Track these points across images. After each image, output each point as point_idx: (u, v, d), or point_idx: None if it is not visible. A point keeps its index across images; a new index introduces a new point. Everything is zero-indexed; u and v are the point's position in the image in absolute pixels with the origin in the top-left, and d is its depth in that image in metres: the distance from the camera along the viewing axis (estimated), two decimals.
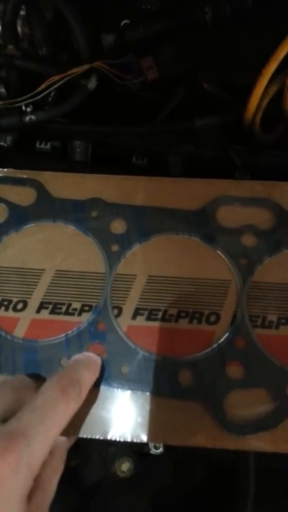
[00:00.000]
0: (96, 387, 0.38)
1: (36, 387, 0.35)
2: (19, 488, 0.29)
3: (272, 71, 0.48)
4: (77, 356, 0.38)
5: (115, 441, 0.45)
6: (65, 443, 0.36)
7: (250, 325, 0.40)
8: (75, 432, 0.37)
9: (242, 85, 0.53)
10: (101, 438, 0.37)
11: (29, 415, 0.31)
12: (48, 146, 0.61)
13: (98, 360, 0.39)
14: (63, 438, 0.36)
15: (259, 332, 0.40)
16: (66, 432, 0.36)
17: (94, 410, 0.38)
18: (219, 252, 0.43)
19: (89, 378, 0.36)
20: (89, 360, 0.38)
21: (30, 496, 0.30)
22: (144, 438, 0.38)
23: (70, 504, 0.49)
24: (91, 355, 0.39)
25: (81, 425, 0.37)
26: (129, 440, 0.37)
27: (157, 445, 0.43)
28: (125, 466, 0.47)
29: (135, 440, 0.37)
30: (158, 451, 0.43)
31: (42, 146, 0.60)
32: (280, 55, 0.48)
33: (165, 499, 0.51)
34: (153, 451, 0.43)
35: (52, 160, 0.60)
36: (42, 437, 0.30)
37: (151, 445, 0.43)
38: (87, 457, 0.49)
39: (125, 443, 0.46)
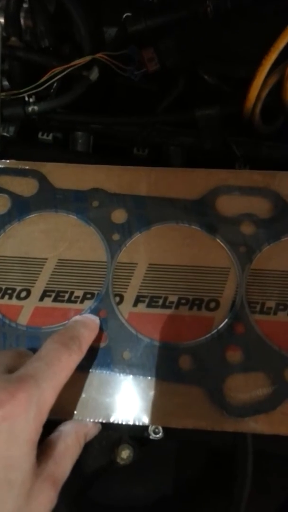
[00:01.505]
0: (100, 371, 0.40)
1: None
2: (29, 427, 0.30)
3: (272, 61, 0.49)
4: (75, 317, 0.40)
5: (115, 428, 0.47)
6: (85, 428, 0.37)
7: (249, 311, 0.41)
8: (80, 415, 0.38)
9: (242, 78, 0.54)
10: (104, 421, 0.38)
11: (36, 363, 0.33)
12: (50, 137, 0.61)
13: (96, 320, 0.40)
14: (91, 424, 0.38)
15: (257, 318, 0.41)
16: (71, 413, 0.38)
17: (97, 394, 0.39)
18: (218, 241, 0.43)
19: (88, 335, 0.38)
20: (86, 320, 0.40)
21: (41, 461, 0.32)
22: (146, 421, 0.39)
23: (69, 492, 0.50)
24: (88, 315, 0.41)
25: (85, 409, 0.38)
26: (131, 423, 0.38)
27: (156, 429, 0.44)
28: (125, 454, 0.47)
29: (137, 423, 0.38)
30: (158, 436, 0.44)
31: (44, 137, 0.61)
32: (280, 46, 0.48)
33: (165, 485, 0.52)
34: (153, 436, 0.44)
35: (54, 151, 0.61)
36: (50, 381, 0.32)
37: (150, 430, 0.44)
38: (87, 445, 0.50)
39: (124, 430, 0.47)
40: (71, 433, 0.36)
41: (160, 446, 0.50)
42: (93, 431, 0.38)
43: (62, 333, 0.37)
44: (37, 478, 0.31)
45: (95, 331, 0.40)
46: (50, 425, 0.36)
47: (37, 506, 0.30)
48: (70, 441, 0.35)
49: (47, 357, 0.33)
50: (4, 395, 0.29)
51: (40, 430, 0.31)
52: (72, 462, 0.34)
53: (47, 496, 0.31)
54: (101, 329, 0.41)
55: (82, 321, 0.39)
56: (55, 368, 0.33)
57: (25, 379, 0.31)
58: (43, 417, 0.31)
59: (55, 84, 0.59)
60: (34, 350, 0.40)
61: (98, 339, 0.40)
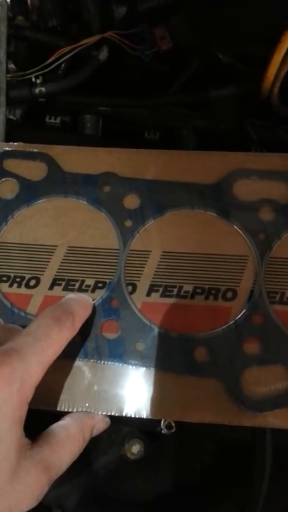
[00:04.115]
0: (112, 363, 0.38)
1: None
2: (12, 401, 0.29)
3: None
4: (69, 295, 0.38)
5: (125, 423, 0.45)
6: (92, 420, 0.36)
7: (268, 301, 0.39)
8: (92, 408, 0.37)
9: (259, 56, 0.51)
10: (116, 414, 0.37)
11: (23, 338, 0.32)
12: (58, 120, 0.60)
13: (89, 299, 0.39)
14: (100, 417, 0.37)
15: (277, 309, 0.39)
16: (82, 406, 0.37)
17: (109, 387, 0.38)
18: (236, 227, 0.42)
19: (82, 312, 0.37)
20: (80, 298, 0.38)
21: (36, 444, 0.31)
22: (160, 415, 0.37)
23: (79, 486, 0.49)
24: (82, 294, 0.39)
25: (97, 402, 0.37)
26: (144, 417, 0.37)
27: (169, 425, 0.42)
28: (135, 448, 0.47)
29: (150, 417, 0.37)
30: (171, 431, 0.43)
31: (52, 120, 0.59)
32: None
33: (176, 481, 0.51)
34: (166, 431, 0.43)
35: (62, 135, 0.59)
36: (36, 357, 0.31)
37: (163, 425, 0.42)
38: (97, 439, 0.49)
39: (135, 425, 0.46)
40: (75, 423, 0.35)
41: (171, 441, 0.49)
42: (101, 425, 0.37)
43: (55, 308, 0.35)
44: (25, 459, 0.30)
45: (89, 310, 0.38)
46: (59, 417, 0.36)
47: (23, 487, 0.29)
48: (72, 431, 0.34)
49: (36, 332, 0.32)
50: None
51: (25, 406, 0.30)
52: (72, 452, 0.33)
53: (37, 480, 0.30)
54: (113, 319, 0.39)
55: (76, 298, 0.38)
56: (43, 343, 0.32)
57: (9, 353, 0.30)
58: (27, 392, 0.30)
59: (63, 65, 0.57)
60: None
61: (110, 329, 0.39)
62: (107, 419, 0.37)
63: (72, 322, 0.34)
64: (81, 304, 0.37)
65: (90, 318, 0.38)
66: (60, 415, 0.36)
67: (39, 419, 0.32)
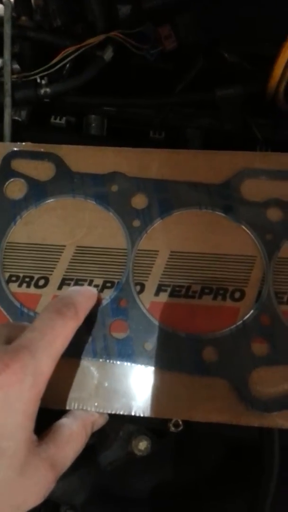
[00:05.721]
0: (121, 362, 0.38)
1: None
2: (24, 397, 0.30)
3: None
4: (71, 287, 0.39)
5: (132, 420, 0.45)
6: (92, 417, 0.36)
7: (276, 301, 0.39)
8: (101, 407, 0.37)
9: (265, 56, 0.51)
10: (125, 413, 0.37)
11: (30, 334, 0.32)
12: (63, 121, 0.59)
13: (93, 289, 0.39)
14: (96, 414, 0.37)
15: (285, 309, 0.39)
16: (92, 404, 0.37)
17: (118, 386, 0.38)
18: (243, 227, 0.42)
19: (85, 302, 0.37)
20: (82, 288, 0.39)
21: (43, 442, 0.31)
22: (167, 414, 0.37)
23: (86, 483, 0.49)
24: (86, 286, 0.40)
25: (106, 401, 0.37)
26: (152, 415, 0.37)
27: (176, 423, 0.42)
28: (142, 445, 0.46)
29: (158, 416, 0.37)
30: (179, 429, 0.43)
31: (57, 121, 0.59)
32: None
33: (183, 479, 0.51)
34: (173, 429, 0.43)
35: (67, 135, 0.59)
36: (45, 351, 0.31)
37: (171, 423, 0.42)
38: (104, 436, 0.49)
39: (142, 422, 0.46)
40: (77, 420, 0.35)
41: (178, 439, 0.49)
42: (100, 421, 0.38)
43: (56, 301, 0.36)
44: (34, 455, 0.30)
45: (93, 299, 0.38)
46: (59, 414, 0.36)
47: (31, 484, 0.30)
48: (75, 428, 0.35)
49: (41, 327, 0.33)
50: None
51: (37, 401, 0.30)
52: (76, 449, 0.34)
53: (44, 477, 0.31)
54: (122, 319, 0.39)
55: (78, 289, 0.38)
56: (49, 337, 0.32)
57: (19, 349, 0.30)
58: (40, 387, 0.31)
59: (67, 65, 0.57)
60: None
61: (119, 329, 0.39)
62: (106, 415, 0.38)
63: (75, 312, 0.35)
64: (83, 294, 0.37)
65: (99, 317, 0.38)
66: (58, 411, 0.37)
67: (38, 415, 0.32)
